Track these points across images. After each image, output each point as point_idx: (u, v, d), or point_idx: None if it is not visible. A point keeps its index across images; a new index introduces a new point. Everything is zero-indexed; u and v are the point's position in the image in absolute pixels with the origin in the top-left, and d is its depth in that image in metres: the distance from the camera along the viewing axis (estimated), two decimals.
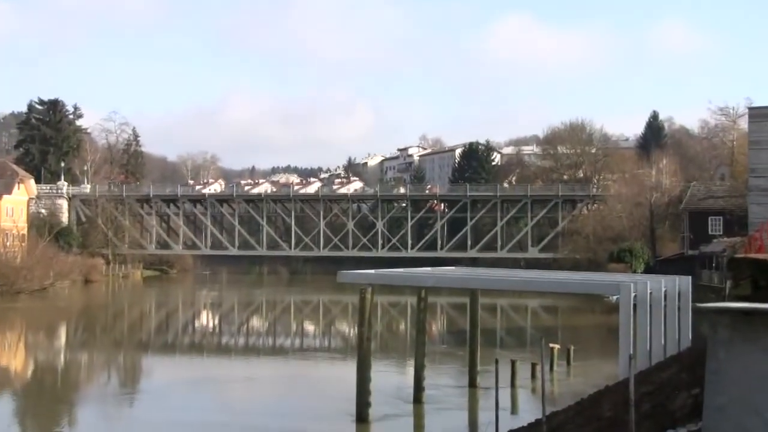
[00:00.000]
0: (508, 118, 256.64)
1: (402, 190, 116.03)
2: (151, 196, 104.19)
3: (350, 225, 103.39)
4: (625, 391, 11.53)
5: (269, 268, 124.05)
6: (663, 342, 22.27)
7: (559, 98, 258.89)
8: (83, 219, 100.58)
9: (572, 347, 34.95)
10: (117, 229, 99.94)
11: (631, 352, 19.14)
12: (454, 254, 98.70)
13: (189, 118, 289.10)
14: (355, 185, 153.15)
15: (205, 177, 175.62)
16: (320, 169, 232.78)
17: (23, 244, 79.88)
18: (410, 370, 29.17)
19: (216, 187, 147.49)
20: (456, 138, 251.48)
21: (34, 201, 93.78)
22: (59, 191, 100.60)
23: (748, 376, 5.66)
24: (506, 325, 56.28)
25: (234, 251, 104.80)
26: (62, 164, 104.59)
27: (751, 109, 61.36)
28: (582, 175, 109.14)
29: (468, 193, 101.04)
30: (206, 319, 62.38)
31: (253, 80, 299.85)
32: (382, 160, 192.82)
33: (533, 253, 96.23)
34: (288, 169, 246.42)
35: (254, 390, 30.79)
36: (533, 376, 29.92)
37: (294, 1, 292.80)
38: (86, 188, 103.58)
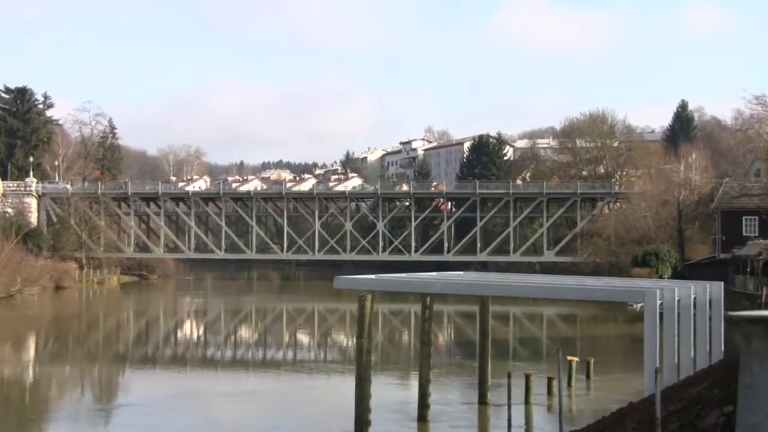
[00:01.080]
0: (522, 108, 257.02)
1: (405, 188, 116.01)
2: (130, 194, 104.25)
3: (348, 226, 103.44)
4: (650, 408, 11.52)
5: (259, 273, 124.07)
6: (692, 354, 22.27)
7: (578, 87, 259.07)
8: (54, 219, 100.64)
9: (592, 360, 34.95)
10: (91, 231, 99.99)
11: (658, 365, 19.15)
12: (462, 258, 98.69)
13: (171, 109, 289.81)
14: (354, 182, 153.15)
15: (188, 173, 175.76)
16: (315, 165, 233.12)
17: None
18: (414, 385, 29.15)
19: (201, 185, 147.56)
20: (464, 130, 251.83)
21: None
22: (27, 189, 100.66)
23: None
24: (520, 336, 56.22)
25: (220, 255, 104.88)
26: (31, 159, 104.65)
27: None
28: (603, 170, 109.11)
29: (477, 191, 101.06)
30: (190, 329, 62.40)
31: (241, 67, 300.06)
32: (383, 155, 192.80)
33: (549, 256, 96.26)
34: (280, 165, 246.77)
35: (242, 407, 30.79)
36: (549, 391, 29.91)
37: None
38: (57, 185, 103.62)
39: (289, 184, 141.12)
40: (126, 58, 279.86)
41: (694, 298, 23.24)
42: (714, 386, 12.76)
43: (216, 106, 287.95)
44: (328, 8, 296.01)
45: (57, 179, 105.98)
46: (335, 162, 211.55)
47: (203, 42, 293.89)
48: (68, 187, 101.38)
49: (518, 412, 25.90)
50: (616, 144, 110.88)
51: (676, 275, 69.15)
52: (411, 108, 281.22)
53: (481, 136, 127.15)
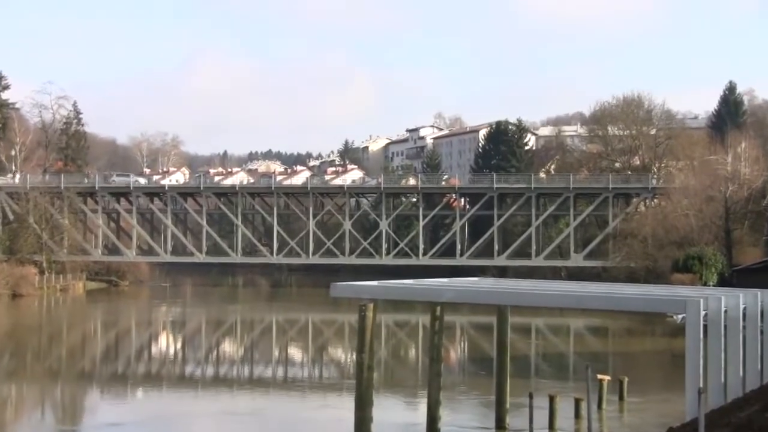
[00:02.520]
0: (546, 91, 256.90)
1: (412, 182, 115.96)
2: (97, 188, 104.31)
3: (347, 225, 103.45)
4: None
5: (245, 279, 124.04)
6: (741, 373, 22.23)
7: (611, 66, 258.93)
8: (10, 217, 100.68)
9: (626, 379, 34.93)
10: (53, 230, 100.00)
11: (701, 385, 19.14)
12: (478, 262, 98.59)
13: (144, 91, 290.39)
14: (353, 175, 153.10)
15: (164, 165, 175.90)
16: (309, 155, 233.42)
17: None
18: (422, 408, 29.12)
19: (178, 178, 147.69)
20: (480, 116, 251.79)
21: None
22: None
23: None
24: (543, 351, 56.19)
25: (201, 258, 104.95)
26: None
27: None
28: (639, 162, 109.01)
29: (495, 185, 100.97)
30: (166, 343, 62.42)
31: (224, 43, 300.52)
32: (387, 144, 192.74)
33: (577, 260, 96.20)
34: (269, 155, 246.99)
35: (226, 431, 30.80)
36: (577, 415, 29.89)
37: None
38: (14, 178, 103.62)
39: (279, 178, 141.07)
40: (93, 33, 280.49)
41: (744, 309, 23.20)
42: (766, 409, 12.73)
43: (196, 88, 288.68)
44: None
45: (13, 171, 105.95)
46: (332, 152, 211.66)
47: (181, 14, 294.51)
48: (27, 180, 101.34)
49: None
50: (653, 132, 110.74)
51: (723, 282, 69.10)
52: (419, 90, 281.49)
53: (498, 123, 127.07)
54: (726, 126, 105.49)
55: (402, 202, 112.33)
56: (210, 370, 48.18)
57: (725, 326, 22.12)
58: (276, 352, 57.21)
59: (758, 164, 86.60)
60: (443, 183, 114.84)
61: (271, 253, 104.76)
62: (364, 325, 25.38)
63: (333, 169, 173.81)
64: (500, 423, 29.41)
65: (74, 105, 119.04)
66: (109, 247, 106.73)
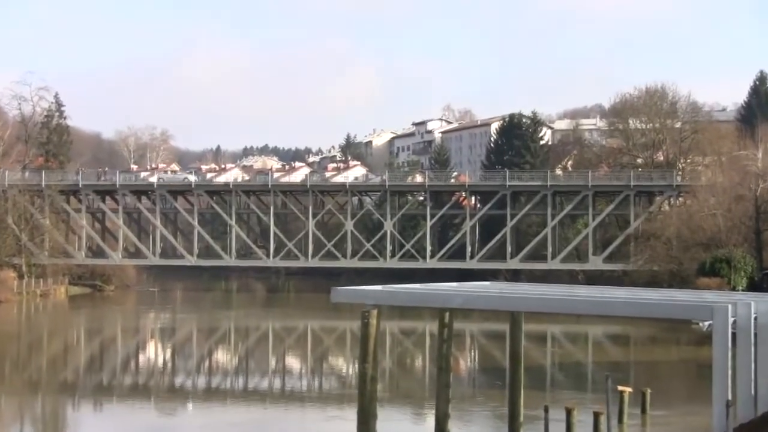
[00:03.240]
0: (563, 81, 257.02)
1: (419, 179, 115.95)
2: (81, 186, 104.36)
3: (349, 225, 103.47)
4: None
5: (240, 284, 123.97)
6: None
7: (632, 55, 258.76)
8: None
9: (649, 390, 34.89)
10: (33, 232, 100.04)
11: (729, 397, 19.12)
12: (489, 265, 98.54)
13: (131, 82, 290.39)
14: (356, 172, 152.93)
15: (153, 161, 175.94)
16: (308, 151, 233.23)
17: None
18: (430, 421, 29.15)
19: (168, 175, 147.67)
20: (491, 109, 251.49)
21: None
22: None
23: None
24: (559, 360, 56.20)
25: (192, 261, 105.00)
26: None
27: None
28: (662, 158, 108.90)
29: (508, 183, 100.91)
30: (154, 353, 62.45)
31: (217, 30, 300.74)
32: (392, 138, 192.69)
33: (596, 263, 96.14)
34: (265, 151, 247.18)
35: None
36: (596, 429, 29.82)
37: None
38: None
39: (276, 174, 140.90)
40: (75, 18, 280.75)
41: None
42: None
43: (187, 79, 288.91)
44: None
45: None
46: (333, 147, 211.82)
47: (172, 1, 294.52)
48: (5, 177, 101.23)
49: None
50: (678, 125, 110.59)
51: (753, 287, 68.99)
52: (426, 81, 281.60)
53: (512, 116, 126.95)
54: (756, 119, 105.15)
55: (408, 200, 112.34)
56: (202, 382, 48.19)
57: (755, 334, 22.11)
58: (273, 362, 57.24)
59: None
60: (452, 180, 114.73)
61: (268, 256, 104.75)
62: (367, 332, 25.39)
63: (334, 165, 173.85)
64: None
65: (56, 97, 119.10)
66: (94, 249, 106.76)
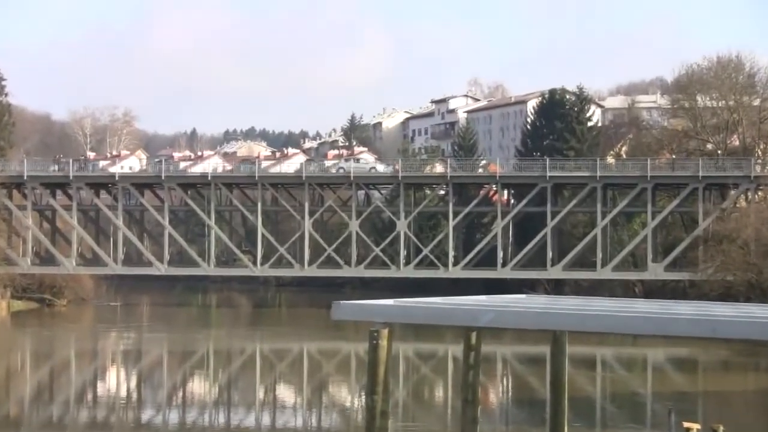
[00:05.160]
0: (615, 50, 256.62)
1: (439, 169, 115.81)
2: (26, 177, 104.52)
3: (354, 225, 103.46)
4: None
5: (221, 297, 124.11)
6: None
7: (700, 19, 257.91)
8: None
9: (721, 427, 34.90)
10: None
11: None
12: (526, 274, 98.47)
13: (87, 54, 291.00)
14: (363, 160, 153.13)
15: (114, 147, 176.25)
16: (304, 135, 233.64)
17: None
18: None
19: (133, 164, 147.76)
20: (528, 83, 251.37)
21: None
22: None
23: None
24: (611, 390, 56.27)
25: (162, 269, 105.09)
26: None
27: None
28: (738, 142, 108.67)
29: (548, 174, 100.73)
30: (116, 382, 62.61)
31: None
32: (407, 119, 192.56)
33: (656, 272, 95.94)
34: (251, 134, 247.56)
35: None
36: None
37: None
38: None
39: (265, 164, 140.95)
40: None
41: None
42: None
43: (156, 50, 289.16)
44: None
45: None
46: (334, 130, 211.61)
47: None
48: None
49: None
50: (757, 102, 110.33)
51: None
52: (448, 49, 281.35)
53: (552, 92, 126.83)
54: None
55: (426, 195, 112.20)
56: (174, 417, 48.32)
57: None
58: (260, 393, 57.32)
59: None
60: (480, 170, 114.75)
61: (254, 263, 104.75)
62: (376, 357, 25.44)
63: (335, 152, 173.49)
64: None
65: None
66: (42, 255, 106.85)
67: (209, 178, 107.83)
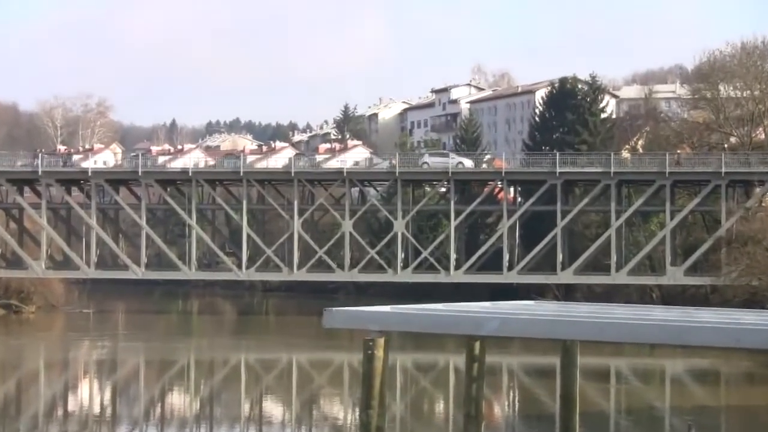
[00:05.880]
0: (631, 36, 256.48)
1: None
2: None
3: (347, 226, 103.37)
4: None
5: (202, 304, 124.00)
6: None
7: (722, 2, 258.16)
8: None
9: None
10: None
11: None
12: (534, 278, 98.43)
13: (58, 37, 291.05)
14: (356, 154, 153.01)
15: (87, 140, 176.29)
16: (294, 127, 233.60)
17: None
18: None
19: (107, 158, 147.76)
20: (536, 71, 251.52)
21: None
22: None
23: None
24: (626, 405, 56.26)
25: (139, 273, 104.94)
26: None
27: None
28: (764, 136, 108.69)
29: (558, 170, 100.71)
30: (89, 395, 62.55)
31: None
32: (405, 110, 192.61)
33: (675, 275, 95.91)
34: (236, 126, 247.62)
35: None
36: None
37: None
38: None
39: (250, 158, 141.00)
40: None
41: None
42: None
43: (132, 33, 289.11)
44: None
45: None
46: (326, 122, 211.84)
47: None
48: None
49: None
50: None
51: None
52: (450, 34, 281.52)
53: (563, 80, 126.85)
54: None
55: (425, 193, 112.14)
56: None
57: None
58: (246, 408, 57.34)
59: None
60: (484, 166, 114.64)
61: (239, 267, 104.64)
62: (371, 368, 25.36)
63: (327, 146, 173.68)
64: None
65: None
66: (8, 257, 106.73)
67: (190, 173, 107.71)
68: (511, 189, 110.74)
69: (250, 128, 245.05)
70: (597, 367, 60.93)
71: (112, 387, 64.82)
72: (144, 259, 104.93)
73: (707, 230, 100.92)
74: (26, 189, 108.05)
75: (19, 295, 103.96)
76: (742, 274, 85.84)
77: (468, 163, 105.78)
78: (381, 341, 25.70)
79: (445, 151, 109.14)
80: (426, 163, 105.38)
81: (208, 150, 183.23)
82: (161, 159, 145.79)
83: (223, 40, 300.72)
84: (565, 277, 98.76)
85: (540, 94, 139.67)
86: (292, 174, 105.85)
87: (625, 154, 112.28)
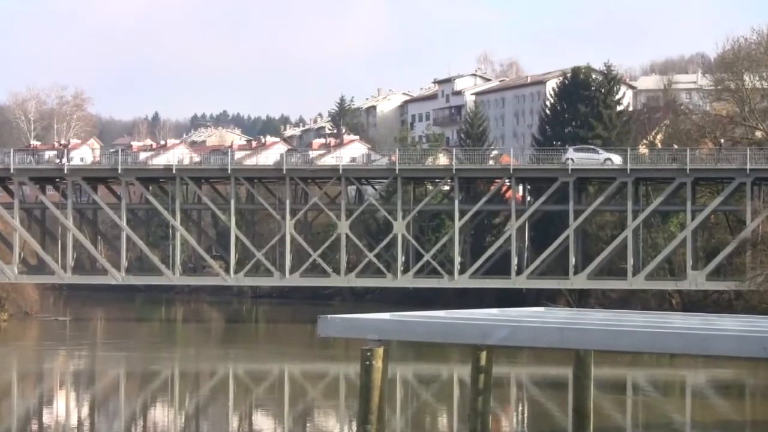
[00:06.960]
0: (649, 23, 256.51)
1: (443, 160, 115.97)
2: None
3: (343, 227, 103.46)
4: None
5: (187, 311, 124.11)
6: None
7: None
8: None
9: None
10: None
11: None
12: (544, 283, 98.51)
13: (31, 25, 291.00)
14: (353, 150, 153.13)
15: (63, 135, 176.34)
16: (285, 121, 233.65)
17: None
18: None
19: (85, 155, 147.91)
20: (546, 61, 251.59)
21: None
22: None
23: None
24: (645, 418, 56.29)
25: (119, 278, 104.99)
26: None
27: None
28: None
29: (570, 167, 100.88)
30: (65, 409, 62.63)
31: None
32: (405, 102, 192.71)
33: (696, 280, 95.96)
34: (223, 120, 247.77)
35: None
36: None
37: None
38: None
39: (239, 154, 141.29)
40: None
41: None
42: None
43: (110, 22, 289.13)
44: None
45: None
46: (320, 115, 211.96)
47: None
48: None
49: None
50: None
51: None
52: (454, 22, 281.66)
53: (575, 70, 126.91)
54: None
55: (428, 191, 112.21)
56: None
57: None
58: (234, 422, 57.41)
59: None
60: (491, 162, 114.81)
61: (227, 271, 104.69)
62: (369, 380, 25.48)
63: (322, 141, 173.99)
64: None
65: None
66: None
67: (174, 171, 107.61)
68: (520, 187, 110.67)
69: (238, 122, 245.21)
70: (612, 379, 61.05)
71: (90, 401, 64.90)
72: (124, 263, 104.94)
73: (731, 231, 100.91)
74: None
75: None
76: None
77: (617, 159, 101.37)
78: (380, 351, 25.81)
79: (591, 146, 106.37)
80: (570, 159, 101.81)
81: (193, 145, 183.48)
82: (143, 155, 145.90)
83: (209, 26, 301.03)
84: (578, 282, 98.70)
85: (551, 85, 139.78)
86: (284, 171, 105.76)
87: (643, 149, 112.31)
